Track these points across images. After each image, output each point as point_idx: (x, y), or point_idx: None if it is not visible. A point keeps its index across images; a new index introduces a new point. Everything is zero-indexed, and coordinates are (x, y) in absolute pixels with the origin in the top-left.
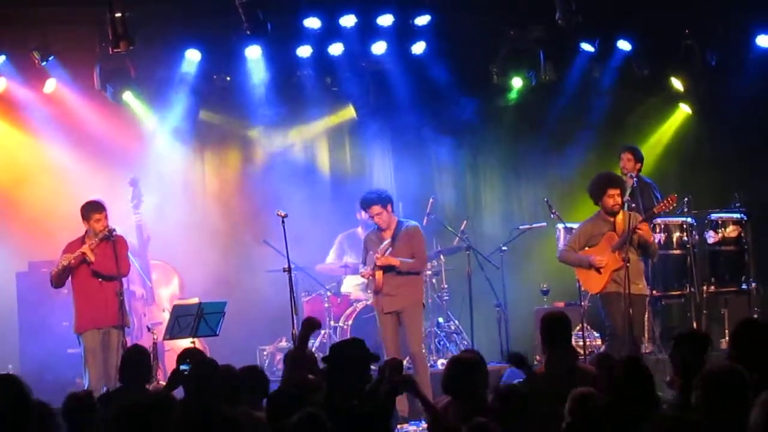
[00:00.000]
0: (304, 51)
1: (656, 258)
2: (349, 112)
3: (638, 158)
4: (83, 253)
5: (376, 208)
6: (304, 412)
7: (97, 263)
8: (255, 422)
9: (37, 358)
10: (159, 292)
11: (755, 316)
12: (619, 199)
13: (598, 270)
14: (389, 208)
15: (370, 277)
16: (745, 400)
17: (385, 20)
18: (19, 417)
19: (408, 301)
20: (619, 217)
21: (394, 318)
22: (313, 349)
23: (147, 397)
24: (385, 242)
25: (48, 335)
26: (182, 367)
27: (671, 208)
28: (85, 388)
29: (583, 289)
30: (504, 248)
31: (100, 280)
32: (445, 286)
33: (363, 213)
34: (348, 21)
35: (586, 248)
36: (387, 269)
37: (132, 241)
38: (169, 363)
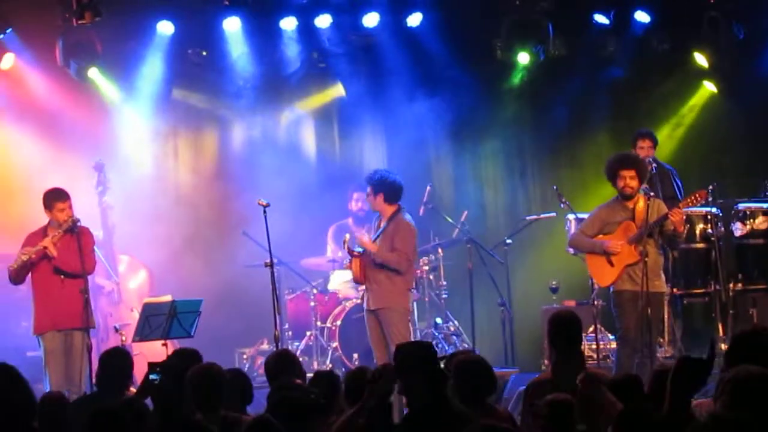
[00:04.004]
0: (288, 23)
1: (677, 251)
2: (338, 91)
3: (656, 143)
4: (45, 248)
5: (368, 190)
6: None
7: (59, 259)
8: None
9: None
10: (127, 289)
11: None
12: (631, 182)
13: (610, 261)
14: (380, 197)
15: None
16: None
17: None
18: (24, 405)
19: (384, 302)
20: (640, 204)
21: (375, 318)
22: (297, 353)
23: (121, 403)
24: (346, 235)
25: (5, 336)
26: (152, 377)
27: (699, 203)
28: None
29: (594, 282)
30: (509, 241)
31: (62, 276)
32: (444, 282)
33: (353, 203)
34: None
35: (600, 236)
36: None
37: (96, 232)
38: (138, 367)
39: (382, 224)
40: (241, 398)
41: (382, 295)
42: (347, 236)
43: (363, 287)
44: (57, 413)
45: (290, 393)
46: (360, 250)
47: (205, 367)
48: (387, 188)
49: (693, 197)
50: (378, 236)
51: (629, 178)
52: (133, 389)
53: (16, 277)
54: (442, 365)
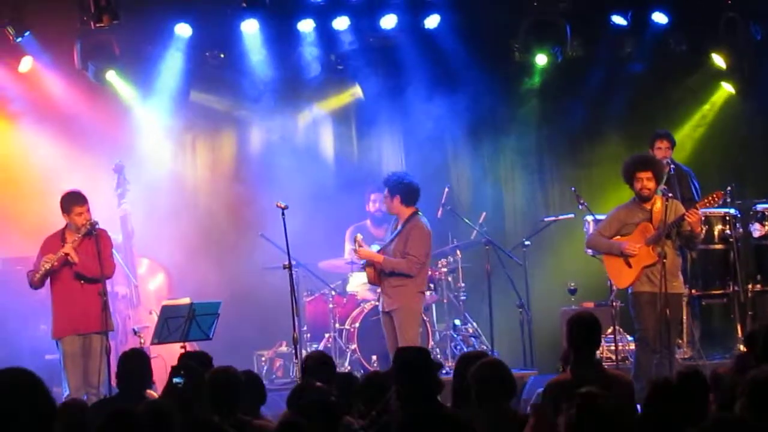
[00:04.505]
0: (306, 25)
1: (693, 253)
2: (356, 92)
3: (673, 144)
4: (66, 254)
5: (385, 192)
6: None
7: (80, 264)
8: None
9: (9, 363)
10: (146, 292)
11: None
12: (648, 184)
13: (628, 262)
14: (397, 199)
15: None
16: None
17: None
18: (44, 410)
19: (398, 303)
20: (657, 205)
21: (390, 320)
22: None
23: (144, 406)
24: (357, 235)
25: (23, 340)
26: (176, 380)
27: (716, 205)
28: (63, 397)
29: (612, 284)
30: (527, 243)
31: (82, 281)
32: (462, 284)
33: (371, 204)
34: None
35: (618, 237)
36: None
37: (115, 236)
38: (157, 369)
39: (399, 226)
40: (254, 399)
41: (395, 296)
42: (359, 236)
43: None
44: (77, 418)
45: (310, 395)
46: (376, 248)
47: (223, 370)
48: (403, 190)
49: (710, 198)
50: (394, 238)
51: (646, 180)
52: (152, 392)
53: (39, 284)
54: (450, 369)
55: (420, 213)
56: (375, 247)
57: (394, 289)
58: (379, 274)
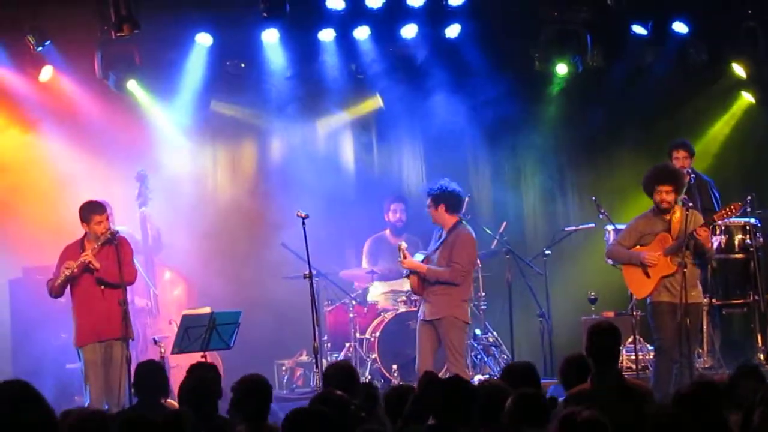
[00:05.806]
0: (327, 35)
1: (713, 263)
2: (376, 102)
3: (692, 153)
4: (88, 261)
5: (428, 202)
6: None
7: (102, 269)
8: None
9: (31, 373)
10: (166, 301)
11: None
12: (668, 197)
13: (646, 272)
14: (442, 208)
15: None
16: None
17: (416, 0)
18: (41, 425)
19: (441, 313)
20: (676, 216)
21: (431, 328)
22: None
23: (164, 416)
24: (401, 243)
25: (44, 348)
26: None
27: (734, 215)
28: (85, 406)
29: (630, 293)
30: (547, 252)
31: (102, 287)
32: (483, 294)
33: (391, 214)
34: (375, 1)
35: (637, 247)
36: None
37: (136, 236)
38: (177, 380)
39: (443, 235)
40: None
41: (440, 306)
42: (403, 245)
43: (398, 297)
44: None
45: (326, 405)
46: (420, 257)
47: (252, 378)
48: (447, 198)
49: (728, 209)
50: (438, 247)
51: (665, 193)
52: (171, 401)
53: (59, 291)
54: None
55: (464, 222)
56: (419, 257)
57: (438, 297)
58: (422, 283)
